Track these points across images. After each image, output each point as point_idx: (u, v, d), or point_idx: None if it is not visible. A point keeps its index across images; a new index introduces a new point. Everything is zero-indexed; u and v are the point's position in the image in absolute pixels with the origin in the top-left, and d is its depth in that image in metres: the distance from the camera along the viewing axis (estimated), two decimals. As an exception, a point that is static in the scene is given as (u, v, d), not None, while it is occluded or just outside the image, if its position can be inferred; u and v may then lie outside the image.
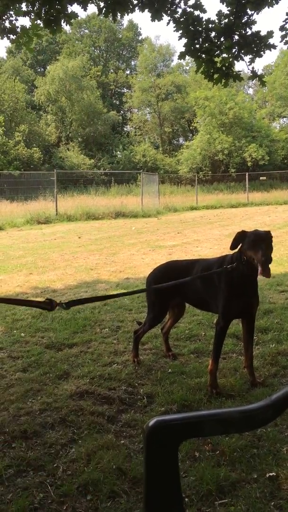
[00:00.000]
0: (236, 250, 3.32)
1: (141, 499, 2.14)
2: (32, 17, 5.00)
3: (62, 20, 4.91)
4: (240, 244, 3.21)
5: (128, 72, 52.03)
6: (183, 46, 4.86)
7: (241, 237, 3.20)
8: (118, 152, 41.80)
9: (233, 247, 3.24)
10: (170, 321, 4.03)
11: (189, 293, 3.61)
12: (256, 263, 3.03)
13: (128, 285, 6.48)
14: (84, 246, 10.64)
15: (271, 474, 2.30)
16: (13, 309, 5.41)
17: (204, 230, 13.21)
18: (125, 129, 48.48)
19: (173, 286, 3.59)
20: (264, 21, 37.80)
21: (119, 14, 4.78)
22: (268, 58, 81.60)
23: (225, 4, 4.83)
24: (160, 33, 73.51)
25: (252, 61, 4.81)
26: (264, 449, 2.51)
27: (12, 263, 8.54)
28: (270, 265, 3.08)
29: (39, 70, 49.93)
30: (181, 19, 4.84)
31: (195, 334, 4.41)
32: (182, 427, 1.30)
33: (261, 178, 32.48)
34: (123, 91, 51.01)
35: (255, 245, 3.06)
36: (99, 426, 2.80)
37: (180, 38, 4.83)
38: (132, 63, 53.19)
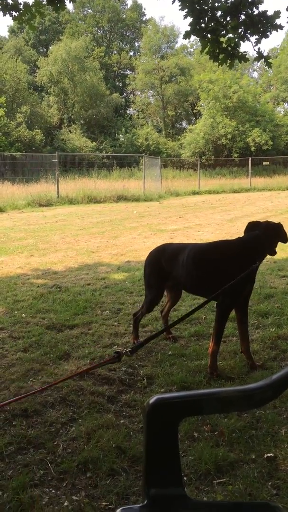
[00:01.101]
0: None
1: (140, 477, 2.17)
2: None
3: (66, -3, 4.82)
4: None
5: (131, 53, 51.33)
6: (188, 25, 4.77)
7: (253, 227, 3.25)
8: (120, 135, 41.47)
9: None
10: (169, 304, 4.05)
11: (184, 278, 3.56)
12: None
13: (129, 268, 6.48)
14: (85, 229, 10.62)
15: (269, 455, 2.32)
16: (14, 290, 5.42)
17: (206, 215, 13.17)
18: (128, 112, 48.02)
19: (168, 270, 3.58)
20: (271, 0, 37.20)
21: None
22: (274, 41, 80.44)
23: (231, -18, 4.74)
24: (165, 13, 72.35)
25: (258, 41, 4.72)
26: (263, 431, 2.53)
27: (13, 245, 8.53)
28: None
29: (41, 50, 49.29)
30: (186, -2, 4.74)
31: (195, 317, 4.42)
32: (182, 405, 1.30)
33: (264, 163, 32.27)
34: (126, 73, 50.40)
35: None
36: (99, 405, 2.82)
37: (185, 17, 4.73)
38: (136, 44, 52.47)
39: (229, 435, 2.48)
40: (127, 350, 2.09)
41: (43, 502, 2.03)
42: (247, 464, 2.27)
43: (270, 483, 2.13)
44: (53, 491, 2.11)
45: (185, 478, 2.16)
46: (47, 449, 2.41)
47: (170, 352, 3.63)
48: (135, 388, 3.07)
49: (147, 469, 1.23)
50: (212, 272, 3.38)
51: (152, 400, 1.28)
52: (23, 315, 4.54)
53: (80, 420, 2.67)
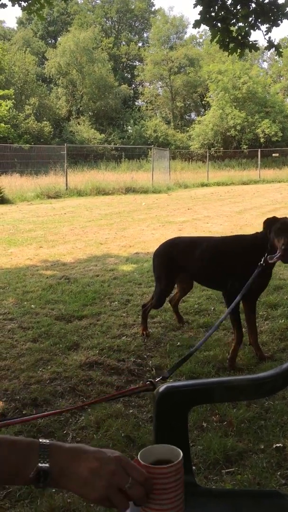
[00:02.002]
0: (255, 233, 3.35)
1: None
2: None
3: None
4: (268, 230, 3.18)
5: (140, 44, 50.99)
6: (198, 14, 4.71)
7: (271, 223, 3.16)
8: (129, 127, 41.31)
9: (266, 231, 3.19)
10: (178, 294, 4.07)
11: (195, 271, 3.59)
12: (277, 247, 3.03)
13: (137, 259, 6.48)
14: (94, 220, 10.63)
15: (278, 445, 2.32)
16: (23, 281, 5.45)
17: (215, 207, 13.12)
18: (136, 103, 47.79)
19: (176, 262, 3.61)
20: (281, -9, 36.69)
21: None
22: (284, 31, 79.42)
23: None
24: (174, 3, 71.68)
25: (269, 30, 4.66)
26: (272, 421, 2.53)
27: (22, 236, 8.56)
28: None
29: (50, 41, 49.13)
30: (196, -14, 4.69)
31: (204, 309, 4.42)
32: (192, 393, 1.30)
33: (273, 154, 32.02)
34: (134, 64, 50.10)
35: (280, 233, 3.05)
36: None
37: (195, 5, 4.67)
38: (145, 35, 52.11)
39: (237, 425, 2.48)
40: (160, 377, 2.05)
41: (53, 490, 2.04)
42: (256, 454, 2.27)
43: (279, 473, 2.14)
44: (63, 479, 2.13)
45: (193, 467, 2.17)
46: (57, 438, 2.42)
47: (178, 343, 3.64)
48: (143, 379, 3.08)
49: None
50: (225, 267, 3.38)
51: (161, 389, 1.29)
52: (32, 306, 4.56)
53: (89, 410, 2.68)
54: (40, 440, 0.84)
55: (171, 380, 2.99)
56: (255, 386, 1.29)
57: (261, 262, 3.06)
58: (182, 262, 3.63)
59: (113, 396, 1.91)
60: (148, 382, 1.86)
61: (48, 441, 0.84)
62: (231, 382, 1.32)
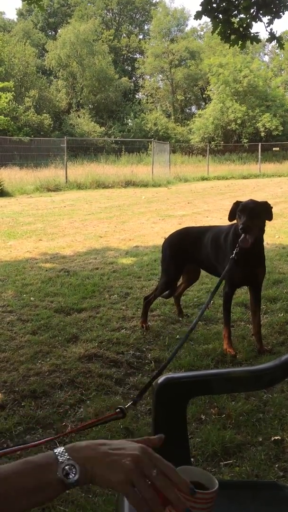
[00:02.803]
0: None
1: (148, 458, 2.18)
2: (44, -27, 4.84)
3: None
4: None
5: (141, 36, 50.70)
6: (200, 5, 4.68)
7: (235, 207, 3.17)
8: (129, 120, 41.17)
9: (230, 218, 3.22)
10: (183, 286, 4.11)
11: (202, 259, 3.65)
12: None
13: (137, 252, 6.47)
14: (93, 214, 10.61)
15: (276, 437, 2.33)
16: (22, 274, 5.45)
17: (215, 201, 13.10)
18: (136, 96, 47.58)
19: (187, 252, 3.65)
20: (283, -16, 36.42)
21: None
22: (286, 24, 79.04)
23: None
24: (175, -4, 71.10)
25: (270, 22, 4.63)
26: (270, 414, 2.54)
27: (22, 229, 8.55)
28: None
29: (50, 33, 48.83)
30: (198, -23, 4.64)
31: (203, 302, 4.42)
32: (191, 384, 1.30)
33: (274, 149, 31.94)
34: (135, 56, 49.83)
35: (239, 215, 3.10)
36: (107, 388, 2.84)
37: (196, -3, 4.64)
38: (145, 27, 51.79)
39: (236, 418, 2.49)
40: (129, 404, 1.97)
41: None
42: (254, 446, 2.28)
43: (277, 465, 2.14)
44: (62, 470, 2.14)
45: (192, 459, 2.17)
46: (56, 430, 2.43)
47: (178, 336, 3.64)
48: (142, 371, 3.09)
49: (155, 448, 1.24)
50: (221, 254, 3.42)
51: (161, 380, 1.29)
52: (32, 298, 4.56)
53: (88, 402, 2.69)
54: (54, 450, 0.78)
55: (169, 373, 2.99)
56: (254, 377, 1.28)
57: (233, 255, 3.06)
58: (193, 251, 3.68)
59: (83, 427, 1.88)
60: (117, 410, 1.78)
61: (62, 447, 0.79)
62: (230, 374, 1.32)
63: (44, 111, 36.06)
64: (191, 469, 0.98)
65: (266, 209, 3.16)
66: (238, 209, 3.12)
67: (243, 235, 3.02)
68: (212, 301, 4.44)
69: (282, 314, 4.07)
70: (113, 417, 1.83)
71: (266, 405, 2.63)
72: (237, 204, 3.20)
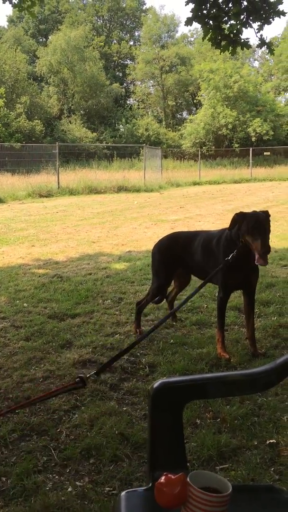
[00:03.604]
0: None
1: (143, 463, 2.18)
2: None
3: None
4: (237, 225, 3.16)
5: (131, 43, 50.90)
6: (190, 12, 4.71)
7: (239, 219, 3.14)
8: (120, 125, 41.24)
9: (232, 228, 3.20)
10: (176, 290, 4.11)
11: (192, 264, 3.64)
12: (253, 250, 3.03)
13: (130, 257, 6.47)
14: (86, 219, 10.60)
15: (271, 441, 2.33)
16: (15, 280, 5.43)
17: (207, 205, 13.14)
18: (128, 102, 47.72)
19: (177, 257, 3.66)
20: (272, -10, 36.74)
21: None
22: (275, 30, 79.88)
23: None
24: (165, 2, 71.59)
25: (260, 28, 4.67)
26: (265, 417, 2.54)
27: (14, 235, 8.52)
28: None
29: (41, 40, 48.88)
30: (188, -16, 4.67)
31: (197, 306, 4.43)
32: (187, 388, 1.30)
33: (265, 153, 32.10)
34: (126, 62, 50.01)
35: (254, 232, 3.03)
36: (101, 393, 2.83)
37: (187, 3, 4.67)
38: (136, 33, 52.01)
39: (231, 421, 2.49)
40: (91, 373, 1.90)
41: (47, 488, 2.04)
42: (250, 450, 2.28)
43: (272, 469, 2.14)
44: (57, 477, 2.13)
45: (188, 464, 2.17)
46: (50, 436, 2.42)
47: (172, 340, 3.64)
48: (137, 376, 3.08)
49: (152, 452, 1.24)
50: (212, 259, 3.42)
51: (156, 384, 1.28)
52: (25, 304, 4.54)
53: (83, 408, 2.68)
54: None
55: (164, 378, 2.99)
56: (250, 381, 1.29)
57: (228, 258, 3.07)
58: (182, 256, 3.67)
59: (41, 397, 1.82)
60: (77, 379, 1.70)
61: None
62: (225, 378, 1.32)
63: (36, 117, 36.03)
64: (204, 474, 0.99)
65: (269, 221, 3.17)
66: (251, 225, 3.03)
67: (262, 254, 2.98)
68: (205, 305, 4.45)
69: (275, 317, 4.08)
70: (73, 387, 1.79)
71: (261, 409, 2.63)
72: (241, 215, 3.14)
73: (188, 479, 0.95)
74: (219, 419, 2.52)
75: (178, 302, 4.43)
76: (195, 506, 0.93)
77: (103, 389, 2.88)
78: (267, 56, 45.86)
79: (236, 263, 3.12)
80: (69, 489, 2.03)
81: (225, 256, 3.16)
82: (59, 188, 17.98)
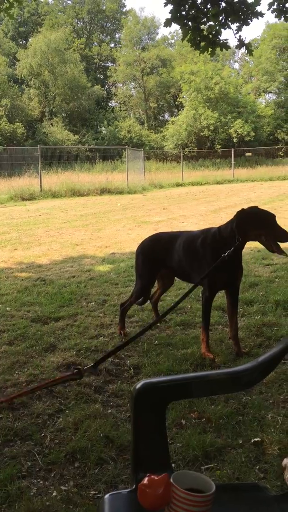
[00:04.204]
0: (223, 224, 3.37)
1: (128, 465, 2.16)
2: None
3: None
4: (236, 222, 3.19)
5: (112, 45, 50.92)
6: (169, 13, 4.73)
7: (245, 215, 3.18)
8: (103, 127, 41.20)
9: (239, 226, 3.19)
10: (159, 291, 4.10)
11: (174, 265, 3.63)
12: (269, 243, 3.13)
13: (114, 259, 6.46)
14: (69, 222, 10.55)
15: (256, 439, 2.34)
16: (-2, 284, 5.37)
17: (190, 206, 13.19)
18: (109, 104, 47.69)
19: (159, 258, 3.66)
20: (251, -7, 37.11)
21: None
22: (254, 32, 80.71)
23: None
24: (145, 4, 71.87)
25: (239, 29, 4.71)
26: (249, 416, 2.55)
27: (-4, 239, 8.43)
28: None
29: (20, 42, 48.59)
30: (166, -15, 4.69)
31: (181, 307, 4.42)
32: (170, 388, 1.30)
33: (246, 154, 32.40)
34: (107, 64, 49.99)
35: (266, 224, 3.15)
36: (86, 396, 2.81)
37: (165, 4, 4.69)
38: (117, 36, 52.03)
39: (216, 421, 2.49)
40: (89, 366, 1.94)
41: (31, 493, 2.02)
42: (235, 449, 2.28)
43: (257, 467, 2.15)
44: (41, 482, 2.10)
45: (173, 464, 2.16)
46: (35, 441, 2.39)
47: (156, 341, 3.63)
48: (122, 378, 3.07)
49: (135, 454, 1.23)
50: (196, 259, 3.41)
51: (139, 385, 1.28)
52: (8, 308, 4.49)
53: (67, 411, 2.65)
54: None
55: (147, 378, 2.98)
56: (233, 379, 1.29)
57: (225, 254, 3.09)
58: (164, 256, 3.65)
59: (40, 387, 1.81)
60: (75, 370, 1.76)
61: None
62: (208, 377, 1.32)
63: (17, 120, 35.80)
64: (187, 474, 0.98)
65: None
66: (264, 218, 3.16)
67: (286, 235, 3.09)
68: (190, 306, 4.46)
69: (258, 316, 4.11)
70: (71, 377, 1.80)
71: (246, 408, 2.64)
72: (246, 211, 3.22)
73: (171, 480, 0.95)
74: (204, 419, 2.52)
75: (162, 303, 4.44)
76: (178, 507, 0.92)
77: (87, 392, 2.86)
78: (247, 58, 46.33)
79: (225, 262, 3.13)
80: (54, 494, 2.01)
81: (213, 256, 3.16)
82: (42, 191, 17.87)
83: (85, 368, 1.73)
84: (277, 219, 3.23)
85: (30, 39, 44.00)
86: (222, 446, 2.29)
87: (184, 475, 0.98)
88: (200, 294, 4.36)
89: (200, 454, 2.22)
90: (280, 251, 3.13)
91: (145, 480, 0.95)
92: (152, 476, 0.95)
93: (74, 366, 1.77)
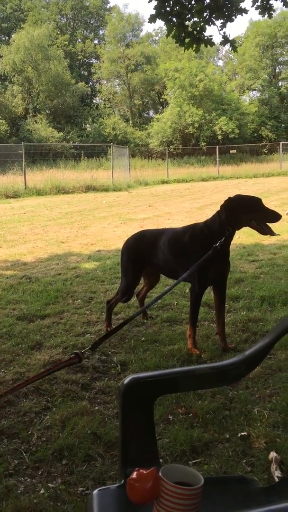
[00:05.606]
0: (209, 219, 3.39)
1: (116, 462, 2.17)
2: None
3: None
4: (225, 211, 3.21)
5: (96, 41, 50.68)
6: (153, 9, 4.72)
7: (232, 203, 3.21)
8: (87, 125, 41.00)
9: (229, 215, 3.22)
10: (146, 288, 4.11)
11: (159, 262, 3.62)
12: (260, 226, 3.21)
13: (100, 257, 6.44)
14: (54, 219, 10.49)
15: (242, 433, 2.36)
16: (-18, 282, 5.32)
17: (176, 203, 13.21)
18: (94, 101, 47.49)
19: (144, 256, 3.65)
20: (234, -10, 37.21)
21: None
22: (238, 29, 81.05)
23: None
24: (129, 1, 71.66)
25: (223, 25, 4.73)
26: (236, 411, 2.57)
27: (-20, 237, 8.35)
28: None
29: (3, 38, 48.03)
30: (150, -19, 4.67)
31: (167, 304, 4.44)
32: (157, 383, 1.30)
33: (231, 151, 32.55)
34: (91, 61, 49.75)
35: (257, 207, 3.22)
36: (73, 393, 2.80)
37: (150, 0, 4.68)
38: (100, 32, 51.82)
39: (203, 416, 2.50)
40: (86, 349, 1.97)
41: (19, 491, 2.00)
42: (222, 443, 2.29)
43: (244, 461, 2.17)
44: (29, 479, 2.09)
45: (160, 460, 2.17)
46: (21, 439, 2.38)
47: (143, 338, 3.64)
48: (109, 375, 3.07)
49: (123, 449, 1.23)
50: (183, 256, 3.41)
51: (127, 380, 1.28)
52: (-7, 306, 4.45)
53: (54, 409, 2.64)
54: None
55: (134, 374, 2.98)
56: (219, 373, 1.29)
57: (216, 245, 3.10)
58: (148, 254, 3.64)
59: (39, 376, 1.81)
60: (73, 355, 1.77)
61: None
62: (195, 371, 1.32)
63: (0, 117, 35.42)
64: (176, 467, 0.99)
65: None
66: (252, 202, 3.23)
67: (275, 219, 3.18)
68: (176, 303, 4.47)
69: (244, 312, 4.13)
70: (70, 362, 1.79)
71: (232, 402, 2.66)
72: (233, 199, 3.27)
73: (160, 474, 0.95)
74: (191, 414, 2.53)
75: (149, 300, 4.44)
76: (167, 500, 0.92)
77: (74, 389, 2.86)
78: (231, 55, 46.53)
79: (214, 256, 3.14)
80: (42, 491, 2.00)
81: (203, 251, 3.16)
82: (26, 188, 17.75)
83: (83, 351, 1.74)
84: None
85: (13, 35, 43.54)
86: (209, 441, 2.30)
87: (173, 468, 0.98)
88: (187, 291, 4.40)
89: (188, 449, 2.23)
90: (272, 232, 3.19)
91: (134, 475, 0.95)
92: (140, 471, 0.95)
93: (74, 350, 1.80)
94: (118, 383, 2.92)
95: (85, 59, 49.70)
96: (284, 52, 42.70)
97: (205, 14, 4.71)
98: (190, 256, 3.33)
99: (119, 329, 2.27)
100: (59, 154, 29.86)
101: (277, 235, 3.31)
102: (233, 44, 4.98)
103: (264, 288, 4.71)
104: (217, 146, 29.10)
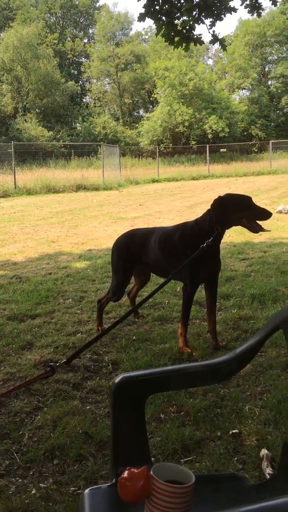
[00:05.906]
0: (199, 217, 3.39)
1: (108, 461, 2.16)
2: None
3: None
4: (215, 210, 3.21)
5: (85, 40, 50.51)
6: (143, 8, 4.71)
7: (222, 202, 3.22)
8: (77, 124, 40.89)
9: (218, 213, 3.21)
10: (136, 287, 4.10)
11: (150, 261, 3.62)
12: (251, 224, 3.21)
13: (90, 256, 6.43)
14: (45, 219, 10.45)
15: (234, 431, 2.36)
16: (-28, 282, 5.28)
17: (166, 202, 13.22)
18: (84, 100, 47.35)
19: (134, 255, 3.65)
20: (224, -11, 37.27)
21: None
22: (227, 28, 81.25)
23: None
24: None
25: (212, 24, 4.73)
26: (227, 408, 2.58)
27: None
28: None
29: (-8, 37, 47.71)
30: (139, -20, 4.67)
31: (158, 302, 4.44)
32: (148, 382, 1.30)
33: (221, 150, 32.63)
34: (81, 60, 49.58)
35: (248, 205, 3.22)
36: (64, 393, 2.79)
37: (139, -1, 4.68)
38: (90, 31, 51.65)
39: (194, 414, 2.51)
40: (62, 361, 1.98)
41: (10, 492, 1.99)
42: (213, 441, 2.30)
43: (236, 458, 2.17)
44: (20, 480, 2.08)
45: (152, 458, 2.17)
46: (12, 439, 2.36)
47: (134, 337, 3.63)
48: (100, 374, 3.06)
49: (115, 448, 1.23)
50: (174, 255, 3.41)
51: (118, 379, 1.27)
52: (-17, 307, 4.42)
53: (45, 409, 2.63)
54: None
55: (125, 373, 2.98)
56: (211, 371, 1.29)
57: (203, 245, 3.11)
58: (138, 253, 3.64)
59: (15, 388, 1.81)
60: (48, 368, 1.79)
61: None
62: (186, 369, 1.32)
63: (-11, 116, 35.22)
64: (167, 466, 0.99)
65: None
66: (242, 201, 3.24)
67: (266, 216, 3.19)
68: (167, 301, 4.47)
69: (235, 310, 4.15)
70: (43, 376, 1.81)
71: (223, 400, 2.66)
72: (224, 197, 3.25)
73: (151, 472, 0.95)
74: (182, 413, 2.53)
75: (140, 299, 4.44)
76: (158, 499, 0.92)
77: (65, 388, 2.85)
78: (220, 54, 46.62)
79: (205, 254, 3.14)
80: (33, 492, 1.99)
81: (193, 249, 3.16)
82: (16, 188, 17.65)
83: (57, 364, 1.75)
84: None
85: (1, 34, 43.27)
86: (201, 439, 2.31)
87: (164, 467, 0.98)
88: (178, 289, 4.40)
89: (179, 447, 2.24)
90: (263, 229, 3.22)
91: (125, 474, 0.95)
92: (132, 470, 0.95)
93: (49, 363, 1.77)
94: (109, 382, 2.91)
95: (74, 58, 49.53)
96: (273, 51, 42.88)
97: (194, 12, 4.71)
98: (180, 254, 3.34)
99: (110, 330, 2.27)
100: (49, 153, 29.75)
101: (268, 231, 3.34)
102: (223, 43, 4.98)
103: (254, 286, 4.73)
104: (207, 145, 29.14)
